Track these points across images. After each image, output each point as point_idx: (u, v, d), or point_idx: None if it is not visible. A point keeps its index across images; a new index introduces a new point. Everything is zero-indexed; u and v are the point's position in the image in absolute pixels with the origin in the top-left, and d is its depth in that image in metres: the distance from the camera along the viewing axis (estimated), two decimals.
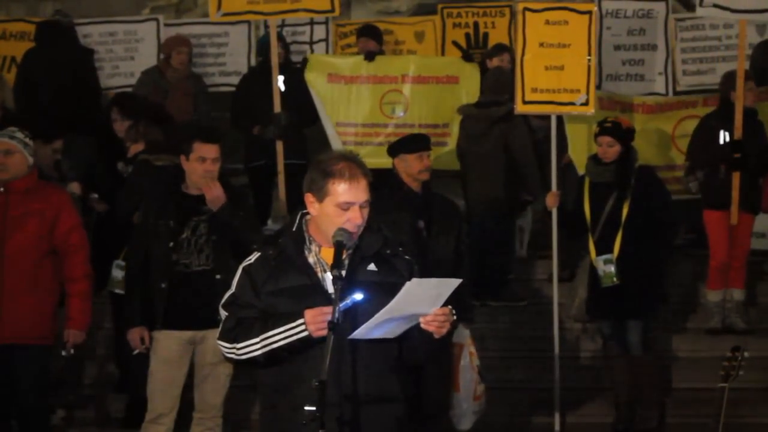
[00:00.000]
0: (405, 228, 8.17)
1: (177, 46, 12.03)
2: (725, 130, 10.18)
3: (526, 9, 9.92)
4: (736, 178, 10.06)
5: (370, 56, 11.40)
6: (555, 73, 9.80)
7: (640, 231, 9.10)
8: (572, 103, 9.82)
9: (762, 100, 10.77)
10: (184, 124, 11.52)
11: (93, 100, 11.62)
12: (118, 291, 9.26)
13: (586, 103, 9.80)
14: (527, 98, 9.86)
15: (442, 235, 8.40)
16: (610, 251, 9.10)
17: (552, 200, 9.63)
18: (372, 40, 11.95)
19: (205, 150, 7.61)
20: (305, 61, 11.27)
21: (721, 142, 10.22)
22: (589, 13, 9.86)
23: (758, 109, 10.57)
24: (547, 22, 9.85)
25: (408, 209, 8.32)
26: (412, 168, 8.43)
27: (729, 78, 10.36)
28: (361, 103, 10.87)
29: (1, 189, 7.76)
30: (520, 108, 9.95)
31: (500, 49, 11.82)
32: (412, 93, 10.88)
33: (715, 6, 10.08)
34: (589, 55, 9.80)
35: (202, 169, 7.60)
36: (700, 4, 10.15)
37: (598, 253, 9.16)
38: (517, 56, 9.94)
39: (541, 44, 9.84)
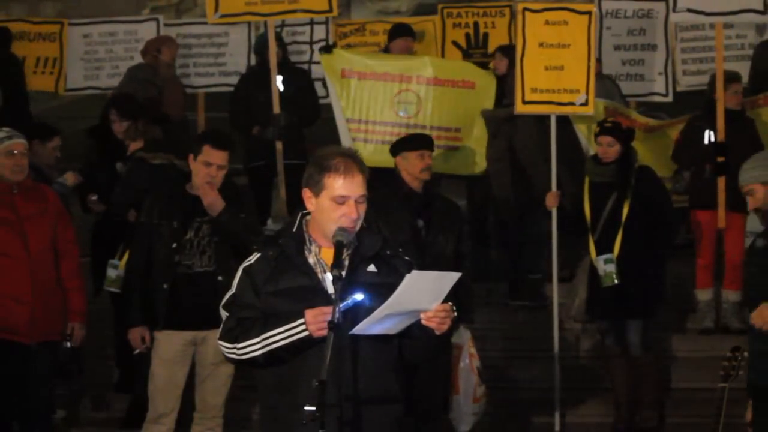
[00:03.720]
0: (404, 227, 8.18)
1: (165, 41, 12.01)
2: (710, 130, 10.19)
3: (525, 9, 9.90)
4: (721, 182, 10.05)
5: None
6: (555, 73, 9.79)
7: (640, 231, 9.10)
8: (572, 104, 9.81)
9: (766, 105, 10.77)
10: (180, 121, 11.53)
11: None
12: (112, 290, 9.28)
13: (585, 103, 9.79)
14: (527, 98, 9.85)
15: (442, 235, 8.41)
16: (611, 251, 9.10)
17: (551, 200, 9.63)
18: (411, 38, 11.97)
19: (213, 155, 7.57)
20: (328, 48, 11.21)
21: (706, 141, 10.23)
22: (589, 13, 9.85)
23: (762, 112, 10.58)
24: (547, 23, 9.84)
25: (408, 209, 8.33)
26: (413, 166, 8.44)
27: (715, 79, 10.37)
28: (373, 101, 10.82)
29: (15, 190, 7.80)
30: (519, 108, 9.95)
31: (499, 51, 11.81)
32: (426, 94, 10.80)
33: (689, 10, 10.08)
34: (589, 55, 9.78)
35: (205, 172, 7.57)
36: (674, 9, 10.14)
37: (599, 252, 9.16)
38: (517, 56, 9.93)
39: (541, 44, 9.83)
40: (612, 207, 9.19)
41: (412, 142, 8.66)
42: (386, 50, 11.94)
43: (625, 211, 9.12)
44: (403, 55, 11.48)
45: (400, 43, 11.84)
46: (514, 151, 10.86)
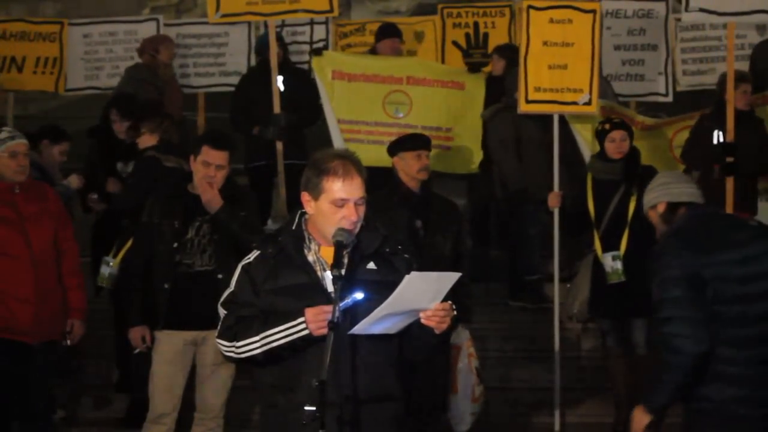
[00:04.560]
0: (402, 227, 8.18)
1: (163, 41, 12.01)
2: (719, 130, 10.18)
3: (530, 7, 9.78)
4: (729, 182, 10.03)
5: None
6: (558, 72, 9.72)
7: (645, 228, 9.00)
8: (575, 103, 9.76)
9: (765, 104, 10.77)
10: (180, 122, 11.53)
11: None
12: (105, 286, 9.29)
13: (589, 103, 9.73)
14: (530, 97, 9.78)
15: (440, 234, 8.41)
16: (616, 248, 9.05)
17: (554, 200, 9.61)
18: (398, 39, 11.96)
19: (211, 155, 7.57)
20: (318, 51, 11.21)
21: (715, 141, 10.23)
22: (594, 12, 9.75)
23: (764, 111, 10.57)
24: (551, 21, 9.75)
25: (406, 208, 8.34)
26: (410, 167, 8.45)
27: (724, 79, 10.35)
28: (364, 102, 10.82)
29: (17, 190, 7.80)
30: (523, 107, 9.89)
31: (496, 53, 11.85)
32: (416, 95, 10.80)
33: (702, 10, 10.03)
34: (593, 54, 9.74)
35: (204, 172, 7.58)
36: (686, 9, 10.09)
37: (604, 250, 9.11)
38: (521, 55, 9.86)
39: (545, 43, 9.75)
40: (617, 204, 9.14)
41: (409, 142, 8.66)
42: (373, 50, 11.92)
43: (632, 208, 9.04)
44: (391, 57, 11.47)
45: (387, 43, 11.82)
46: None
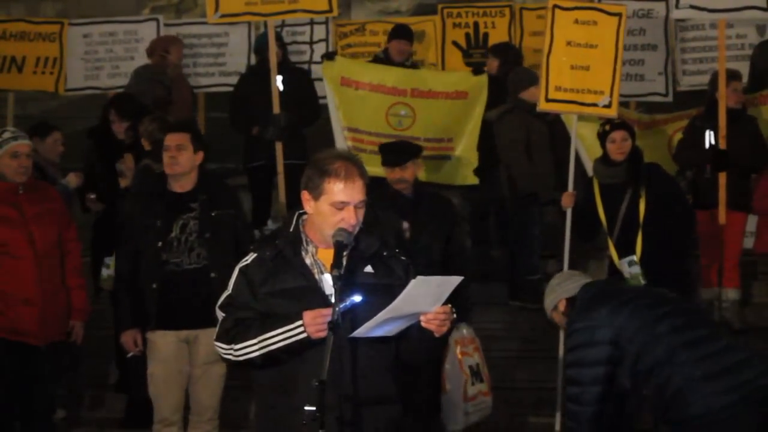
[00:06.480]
0: (388, 228, 8.19)
1: (173, 42, 12.02)
2: (711, 130, 10.18)
3: (555, 6, 9.73)
4: (722, 178, 10.02)
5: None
6: (580, 72, 9.65)
7: (659, 229, 8.93)
8: (595, 104, 9.69)
9: (764, 103, 10.76)
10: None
11: None
12: (105, 287, 9.29)
13: (609, 106, 9.66)
14: (550, 96, 9.72)
15: (426, 236, 8.40)
16: (631, 253, 8.97)
17: (567, 200, 9.57)
18: (406, 41, 11.94)
19: (167, 138, 7.70)
20: (331, 55, 11.21)
21: (707, 141, 10.22)
22: (619, 15, 9.69)
23: (761, 111, 10.56)
24: (576, 21, 9.69)
25: (394, 210, 8.33)
26: (388, 177, 8.54)
27: (715, 78, 10.35)
28: (368, 111, 10.80)
29: (21, 190, 7.80)
30: (542, 106, 9.83)
31: (491, 52, 11.82)
32: (420, 107, 10.77)
33: (692, 7, 10.01)
34: (616, 57, 9.69)
35: (166, 156, 7.65)
36: (677, 6, 10.07)
37: (619, 255, 9.04)
38: (543, 53, 9.81)
39: (569, 43, 9.68)
40: (627, 207, 9.06)
41: (383, 156, 8.74)
42: (385, 50, 11.93)
43: (642, 210, 8.94)
44: (397, 67, 11.44)
45: (394, 45, 11.83)
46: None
